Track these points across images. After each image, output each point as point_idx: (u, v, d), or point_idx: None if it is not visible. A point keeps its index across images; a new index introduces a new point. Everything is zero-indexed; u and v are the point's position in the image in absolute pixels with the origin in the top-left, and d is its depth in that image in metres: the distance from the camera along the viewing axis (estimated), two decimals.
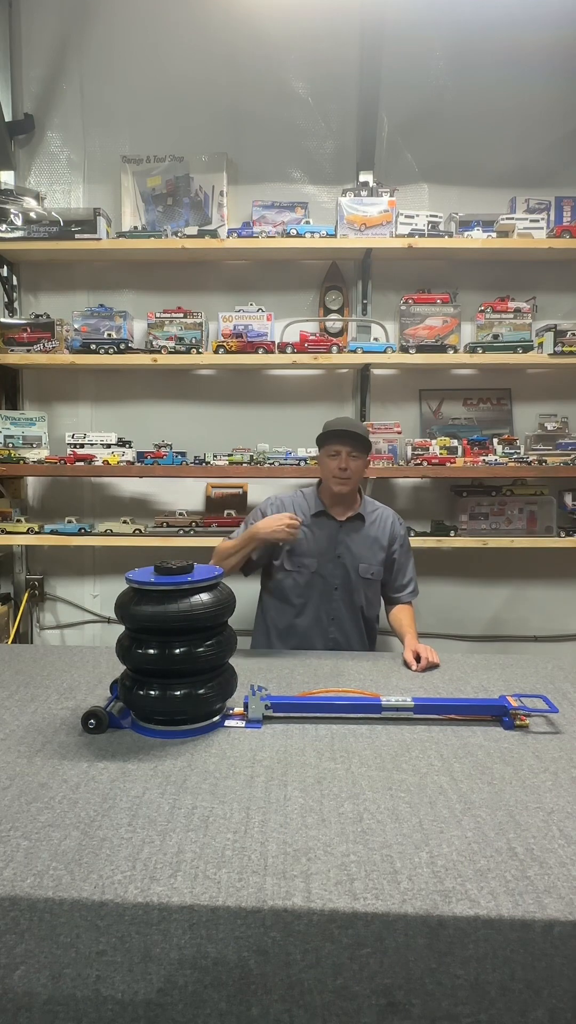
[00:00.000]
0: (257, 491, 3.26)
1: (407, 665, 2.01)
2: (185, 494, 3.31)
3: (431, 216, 3.01)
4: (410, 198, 3.19)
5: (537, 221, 2.97)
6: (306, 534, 2.26)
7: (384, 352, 3.00)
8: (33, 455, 3.10)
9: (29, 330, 3.05)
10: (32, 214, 2.99)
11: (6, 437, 3.12)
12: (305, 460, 2.99)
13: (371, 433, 3.05)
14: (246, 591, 2.35)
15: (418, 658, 2.00)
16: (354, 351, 3.00)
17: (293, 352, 2.99)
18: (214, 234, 2.98)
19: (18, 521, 3.12)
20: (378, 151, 3.14)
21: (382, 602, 2.42)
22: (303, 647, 2.27)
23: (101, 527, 3.13)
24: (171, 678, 1.53)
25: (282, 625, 2.31)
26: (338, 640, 2.28)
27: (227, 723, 1.59)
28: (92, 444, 3.05)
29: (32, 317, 3.11)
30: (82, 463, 3.00)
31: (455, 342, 3.04)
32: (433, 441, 3.04)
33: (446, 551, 3.20)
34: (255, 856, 1.07)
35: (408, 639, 2.17)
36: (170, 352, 3.02)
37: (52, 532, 3.08)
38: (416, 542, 3.02)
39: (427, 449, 3.02)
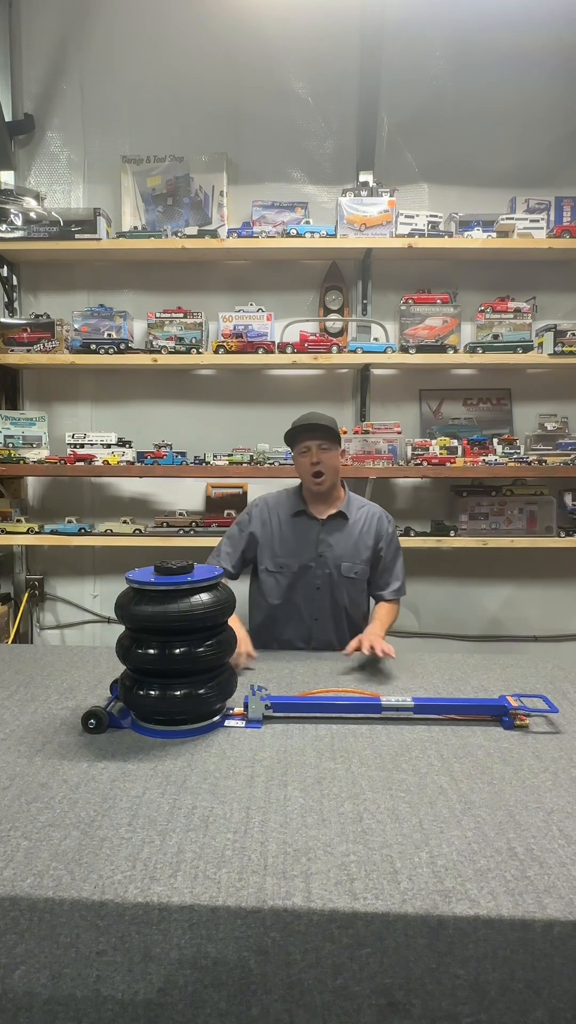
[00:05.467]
0: (257, 491, 3.26)
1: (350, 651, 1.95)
2: (185, 494, 3.31)
3: (431, 216, 3.01)
4: (410, 198, 3.19)
5: (537, 221, 2.98)
6: (283, 533, 2.24)
7: (384, 352, 3.00)
8: (33, 455, 3.10)
9: (29, 330, 3.05)
10: (32, 214, 2.99)
11: (6, 437, 3.12)
12: None
13: (371, 433, 3.06)
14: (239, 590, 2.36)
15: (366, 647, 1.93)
16: (354, 351, 3.00)
17: (293, 352, 2.99)
18: (214, 234, 2.98)
19: (18, 521, 3.12)
20: (378, 151, 3.14)
21: (371, 601, 2.39)
22: (284, 647, 2.26)
23: (101, 527, 3.13)
24: (171, 678, 1.53)
25: (264, 625, 2.30)
26: (320, 640, 2.26)
27: (227, 723, 1.59)
28: (92, 444, 3.05)
29: (32, 317, 3.11)
30: (82, 463, 3.00)
31: (455, 342, 3.04)
32: (433, 441, 3.04)
33: (446, 551, 3.20)
34: (255, 856, 1.07)
35: (369, 628, 2.10)
36: (170, 352, 3.02)
37: (52, 532, 3.08)
38: (416, 542, 3.02)
39: (427, 449, 3.02)
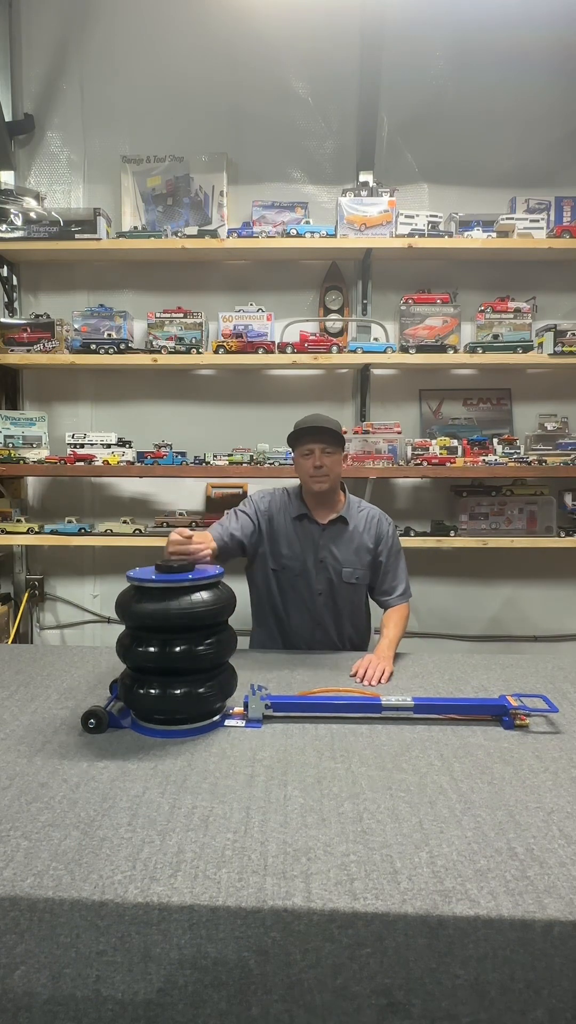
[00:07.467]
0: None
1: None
2: (185, 494, 3.31)
3: (431, 216, 3.01)
4: (410, 198, 3.19)
5: (537, 221, 2.98)
6: (287, 534, 2.22)
7: (384, 352, 3.00)
8: (33, 455, 3.10)
9: (29, 330, 3.05)
10: (32, 214, 2.99)
11: (6, 437, 3.12)
12: None
13: (371, 433, 3.06)
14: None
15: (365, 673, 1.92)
16: (354, 351, 3.00)
17: (293, 352, 2.99)
18: (214, 234, 2.98)
19: (18, 521, 3.12)
20: (378, 151, 3.14)
21: (370, 604, 2.35)
22: (288, 648, 2.25)
23: (101, 527, 3.13)
24: (171, 676, 1.53)
25: (269, 629, 2.29)
26: (324, 644, 2.24)
27: (227, 723, 1.59)
28: (92, 444, 3.05)
29: (32, 317, 3.11)
30: (82, 463, 3.00)
31: (455, 342, 3.04)
32: (433, 441, 3.04)
33: (446, 551, 3.20)
34: (255, 856, 1.07)
35: (378, 645, 2.08)
36: (170, 352, 3.02)
37: (52, 532, 3.08)
38: (416, 542, 3.02)
39: (427, 449, 3.02)
